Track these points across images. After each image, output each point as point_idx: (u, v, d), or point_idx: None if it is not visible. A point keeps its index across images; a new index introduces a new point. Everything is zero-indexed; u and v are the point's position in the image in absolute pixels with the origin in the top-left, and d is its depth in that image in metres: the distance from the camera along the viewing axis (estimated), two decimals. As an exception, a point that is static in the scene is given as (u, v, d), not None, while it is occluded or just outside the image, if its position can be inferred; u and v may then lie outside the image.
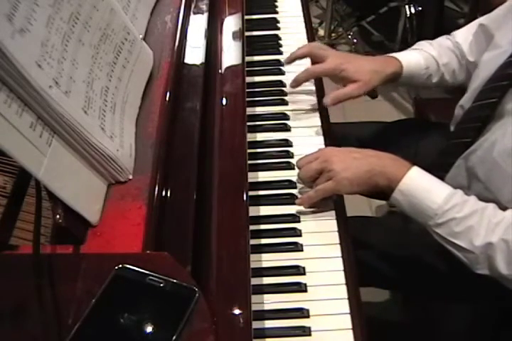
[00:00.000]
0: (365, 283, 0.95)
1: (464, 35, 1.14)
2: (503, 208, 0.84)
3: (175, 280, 0.58)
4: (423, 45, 1.15)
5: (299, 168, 0.93)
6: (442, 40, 1.16)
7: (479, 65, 1.03)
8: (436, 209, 0.83)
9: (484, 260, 0.81)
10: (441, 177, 1.02)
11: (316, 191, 0.89)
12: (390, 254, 1.04)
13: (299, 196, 0.92)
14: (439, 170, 1.03)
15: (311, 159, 0.91)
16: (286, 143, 1.02)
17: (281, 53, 1.21)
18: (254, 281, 0.75)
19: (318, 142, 1.02)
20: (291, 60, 1.10)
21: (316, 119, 1.06)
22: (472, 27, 1.13)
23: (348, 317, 0.77)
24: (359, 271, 0.83)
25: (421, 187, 0.85)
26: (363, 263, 0.95)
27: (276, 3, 1.34)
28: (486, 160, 0.90)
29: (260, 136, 1.03)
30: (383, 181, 0.87)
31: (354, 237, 0.88)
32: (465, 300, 1.07)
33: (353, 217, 1.03)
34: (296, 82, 1.07)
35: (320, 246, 0.86)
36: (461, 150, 0.98)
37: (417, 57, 1.11)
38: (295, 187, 0.95)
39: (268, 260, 0.84)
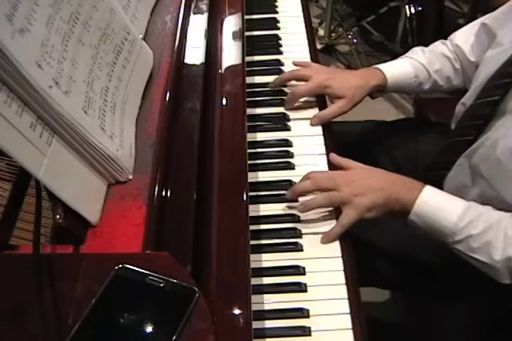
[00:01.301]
0: (365, 283, 0.94)
1: (464, 37, 1.13)
2: (509, 206, 0.84)
3: (175, 280, 0.58)
4: (415, 52, 1.15)
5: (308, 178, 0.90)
6: (437, 45, 1.17)
7: (481, 63, 1.03)
8: (452, 228, 0.84)
9: (505, 271, 0.82)
10: (443, 176, 1.02)
11: (341, 226, 0.86)
12: (390, 254, 1.04)
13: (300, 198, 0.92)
14: (440, 168, 1.03)
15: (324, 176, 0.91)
16: (286, 143, 1.02)
17: (281, 53, 1.21)
18: (254, 281, 0.75)
19: (318, 142, 1.02)
20: (277, 85, 1.11)
21: (316, 119, 1.06)
22: (473, 27, 1.13)
23: (348, 317, 0.77)
24: (359, 271, 0.83)
25: (434, 207, 0.85)
26: (363, 263, 0.95)
27: (276, 3, 1.34)
28: (489, 158, 0.90)
29: (260, 136, 1.03)
30: (398, 207, 0.87)
31: (354, 237, 0.88)
32: (465, 301, 1.07)
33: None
34: (288, 105, 1.08)
35: (320, 246, 0.86)
36: (462, 148, 0.98)
37: (404, 67, 1.12)
38: (295, 187, 0.94)
39: (268, 260, 0.84)
